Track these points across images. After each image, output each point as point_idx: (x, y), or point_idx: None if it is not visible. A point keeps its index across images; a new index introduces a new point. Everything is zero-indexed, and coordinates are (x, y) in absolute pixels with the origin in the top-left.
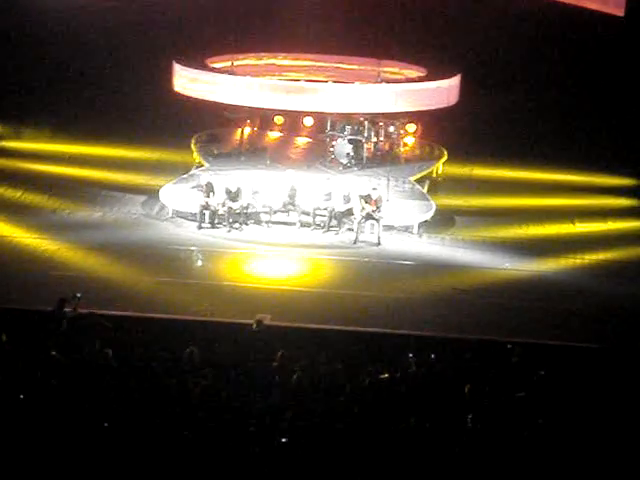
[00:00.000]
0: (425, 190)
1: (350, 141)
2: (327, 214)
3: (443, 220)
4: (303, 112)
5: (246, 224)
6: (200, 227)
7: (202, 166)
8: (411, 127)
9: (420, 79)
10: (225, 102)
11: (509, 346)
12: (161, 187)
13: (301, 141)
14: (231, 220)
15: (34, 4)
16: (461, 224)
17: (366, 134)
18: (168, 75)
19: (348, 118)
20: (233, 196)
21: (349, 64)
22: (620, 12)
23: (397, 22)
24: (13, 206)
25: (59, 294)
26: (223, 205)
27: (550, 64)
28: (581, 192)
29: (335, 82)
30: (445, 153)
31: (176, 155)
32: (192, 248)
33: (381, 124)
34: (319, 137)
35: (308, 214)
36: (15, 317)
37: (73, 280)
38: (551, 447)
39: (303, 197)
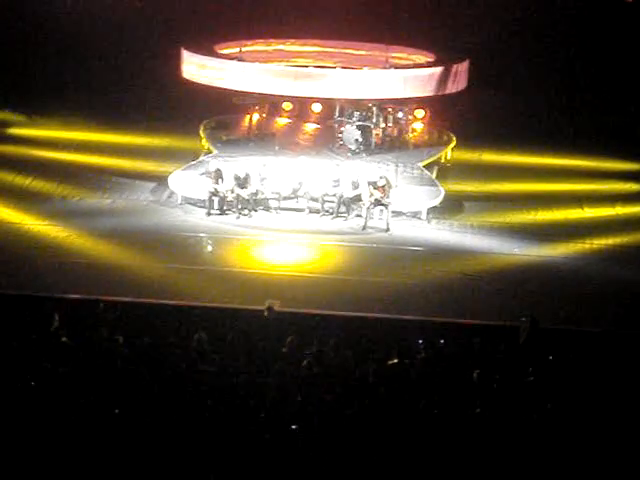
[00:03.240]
0: (434, 176)
1: (359, 127)
2: (336, 200)
3: (452, 206)
4: (311, 98)
5: (255, 210)
6: (209, 213)
7: (211, 153)
8: (419, 113)
9: (429, 64)
10: (234, 88)
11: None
12: (170, 174)
13: (309, 127)
14: (240, 206)
15: None
16: (470, 209)
17: (374, 120)
18: (177, 61)
19: (357, 104)
20: (242, 182)
21: (357, 49)
22: None
23: (405, 7)
24: (23, 193)
25: (69, 280)
26: (232, 191)
27: (559, 49)
28: (590, 177)
29: (343, 68)
30: (454, 139)
31: (185, 142)
32: (201, 235)
33: (390, 110)
34: (327, 123)
35: (317, 200)
36: (25, 303)
37: (83, 267)
38: (560, 431)
39: (312, 183)
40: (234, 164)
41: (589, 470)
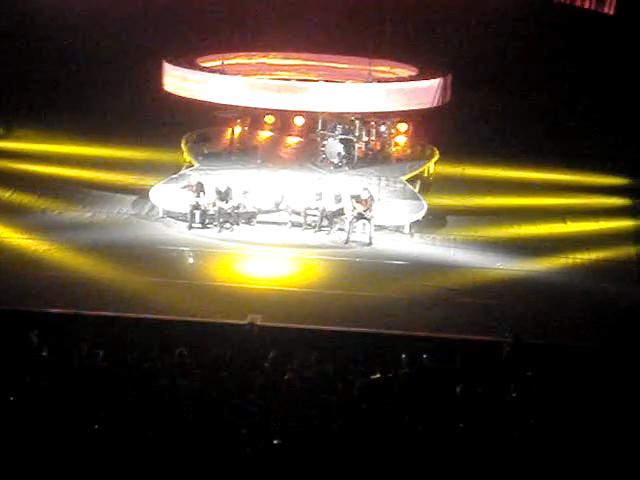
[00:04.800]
0: (416, 190)
1: (341, 140)
2: (318, 214)
3: (435, 220)
4: (294, 111)
5: (237, 224)
6: (190, 227)
7: (192, 166)
8: (402, 126)
9: (411, 78)
10: (216, 101)
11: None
12: (151, 187)
13: (292, 140)
14: (222, 220)
15: (28, 4)
16: (453, 224)
17: (357, 133)
18: (158, 74)
19: (339, 117)
20: (223, 196)
21: (340, 63)
22: (610, 10)
23: (388, 20)
24: (2, 206)
25: (49, 295)
26: (213, 205)
27: (542, 63)
28: (573, 191)
29: (326, 81)
30: (437, 152)
31: (166, 155)
32: (183, 248)
33: (372, 123)
34: (310, 136)
35: (299, 214)
36: (5, 318)
37: (63, 281)
38: (543, 447)
39: (294, 197)
40: (216, 177)
41: None
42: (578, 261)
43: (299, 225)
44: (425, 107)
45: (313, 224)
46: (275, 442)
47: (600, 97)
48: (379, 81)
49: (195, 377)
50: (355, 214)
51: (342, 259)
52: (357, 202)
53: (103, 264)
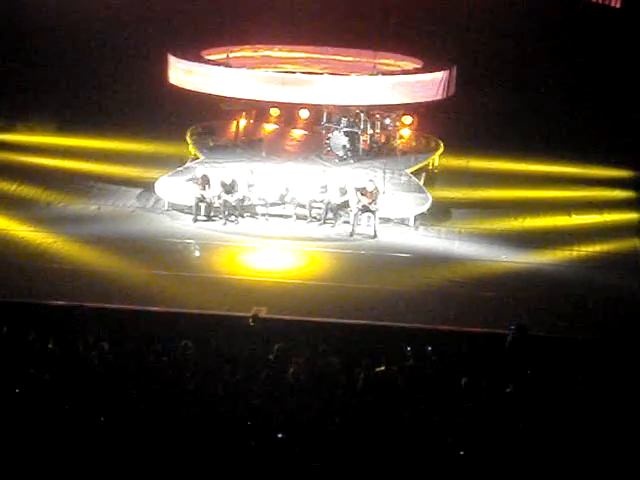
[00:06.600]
0: (421, 182)
1: (346, 133)
2: (323, 206)
3: (439, 212)
4: (299, 104)
5: (242, 217)
6: (196, 220)
7: (198, 158)
8: (407, 119)
9: (416, 71)
10: (221, 94)
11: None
12: (156, 180)
13: (297, 133)
14: (227, 213)
15: None
16: (457, 216)
17: (362, 126)
18: (163, 67)
19: (344, 110)
20: (229, 188)
21: (345, 56)
22: (617, 3)
23: (393, 14)
24: (8, 199)
25: (54, 287)
26: (219, 198)
27: (546, 56)
28: (577, 184)
29: (331, 74)
30: (441, 145)
31: (171, 147)
32: (188, 241)
33: (377, 116)
34: (315, 129)
35: (304, 206)
36: (11, 310)
37: (68, 273)
38: (547, 439)
39: (299, 190)
40: (221, 170)
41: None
42: (582, 253)
43: (304, 218)
44: (430, 100)
45: (318, 217)
46: (279, 436)
47: (605, 90)
48: (384, 74)
49: (200, 369)
50: (360, 207)
51: (347, 252)
52: (362, 195)
53: (108, 256)
